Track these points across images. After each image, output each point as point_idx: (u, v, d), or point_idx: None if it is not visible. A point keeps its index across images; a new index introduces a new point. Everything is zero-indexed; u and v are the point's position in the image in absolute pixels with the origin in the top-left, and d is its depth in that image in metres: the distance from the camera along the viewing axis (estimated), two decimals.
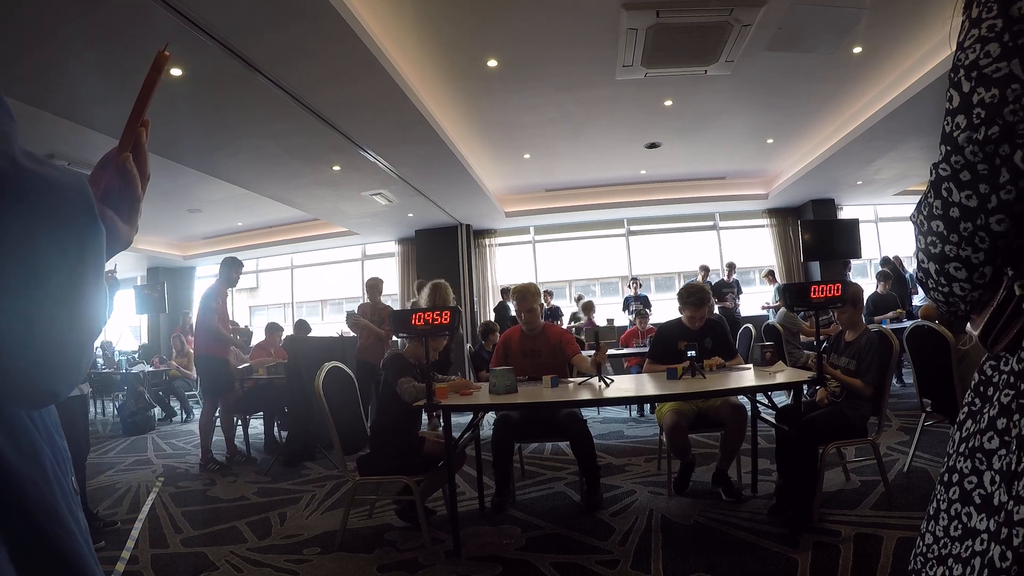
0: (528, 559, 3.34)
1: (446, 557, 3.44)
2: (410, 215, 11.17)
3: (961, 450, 0.93)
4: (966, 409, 0.96)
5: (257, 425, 7.52)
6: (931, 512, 1.00)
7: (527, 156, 9.38)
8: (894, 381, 7.56)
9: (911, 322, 4.65)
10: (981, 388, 0.94)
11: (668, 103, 7.46)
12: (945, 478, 0.96)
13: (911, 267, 11.26)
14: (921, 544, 1.01)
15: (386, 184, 8.88)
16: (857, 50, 6.30)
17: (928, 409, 4.35)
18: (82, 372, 0.64)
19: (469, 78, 6.44)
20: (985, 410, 0.90)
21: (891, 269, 9.79)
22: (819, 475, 3.65)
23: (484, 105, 7.20)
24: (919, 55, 6.48)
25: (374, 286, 7.65)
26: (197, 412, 8.61)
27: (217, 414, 6.23)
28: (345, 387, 4.06)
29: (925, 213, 0.90)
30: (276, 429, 6.82)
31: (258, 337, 8.54)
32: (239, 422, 6.72)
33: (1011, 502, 0.78)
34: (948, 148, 0.83)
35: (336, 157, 7.54)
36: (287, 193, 9.32)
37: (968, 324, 0.98)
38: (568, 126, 8.09)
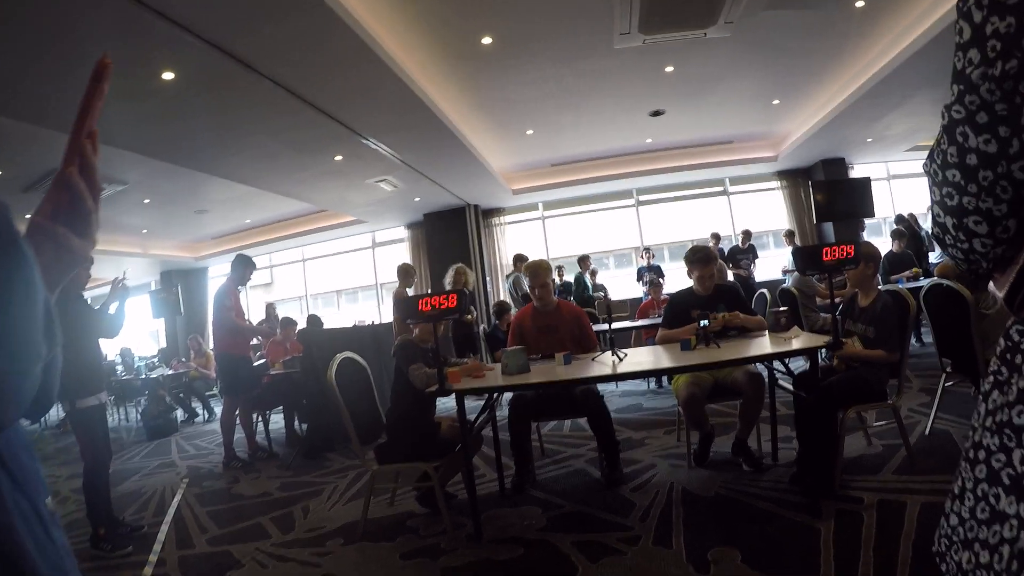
0: (549, 539, 3.33)
1: (467, 541, 3.44)
2: (417, 199, 11.15)
3: (988, 424, 0.83)
4: (992, 379, 0.84)
5: (278, 420, 7.56)
6: (956, 491, 0.90)
7: (530, 132, 9.30)
8: (913, 341, 7.44)
9: (928, 280, 4.54)
10: (1008, 356, 0.82)
11: (669, 69, 7.35)
12: (971, 454, 0.86)
13: (926, 224, 11.10)
14: (946, 525, 0.92)
15: (390, 170, 8.86)
16: (859, 3, 6.14)
17: (948, 369, 4.25)
18: (26, 400, 0.62)
19: (465, 58, 6.37)
20: (1014, 380, 0.79)
21: (905, 227, 9.61)
22: (839, 441, 3.59)
23: (482, 84, 7.13)
24: (925, 5, 6.29)
25: (406, 271, 7.58)
26: (219, 411, 8.66)
27: (238, 412, 6.25)
28: (359, 377, 4.05)
29: (939, 162, 0.81)
30: (297, 422, 6.84)
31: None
32: (259, 418, 6.75)
33: None
34: (961, 87, 0.74)
35: (338, 147, 7.52)
36: (292, 187, 9.33)
37: (991, 283, 0.88)
38: (569, 99, 7.99)
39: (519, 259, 10.20)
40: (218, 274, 14.73)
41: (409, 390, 3.84)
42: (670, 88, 8.07)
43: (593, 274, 10.95)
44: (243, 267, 6.21)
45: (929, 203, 0.87)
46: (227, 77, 5.12)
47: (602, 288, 10.91)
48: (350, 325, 9.65)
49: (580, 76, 7.21)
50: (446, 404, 5.72)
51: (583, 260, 10.75)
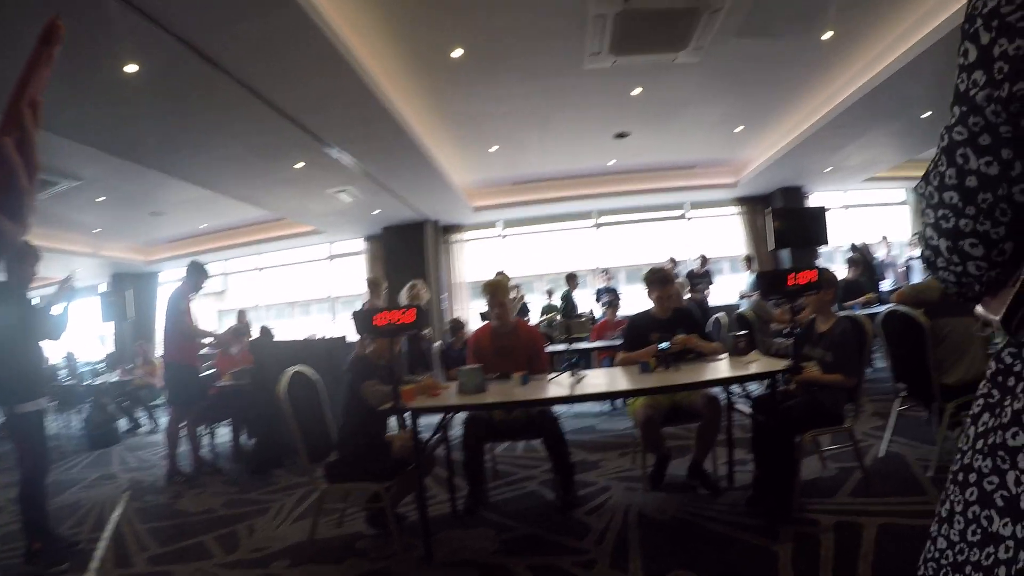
0: (503, 562, 3.26)
1: (418, 564, 3.34)
2: (376, 212, 11.02)
3: (979, 447, 0.83)
4: (982, 401, 0.85)
5: (225, 433, 7.32)
6: (943, 514, 0.89)
7: (494, 148, 9.28)
8: None
9: (885, 307, 4.62)
10: (1000, 378, 0.82)
11: (636, 92, 7.40)
12: (960, 477, 0.86)
13: (879, 253, 11.39)
14: (933, 548, 0.91)
15: (351, 180, 8.74)
16: (827, 36, 6.29)
17: (903, 394, 4.33)
18: None
19: (434, 70, 6.32)
20: (1007, 403, 0.79)
21: (859, 255, 9.84)
22: (797, 464, 3.62)
23: (449, 97, 7.08)
24: (890, 39, 6.47)
25: (375, 284, 7.50)
26: (164, 422, 8.37)
27: (184, 423, 6.04)
28: (310, 392, 3.92)
29: (935, 184, 0.80)
30: (244, 436, 6.64)
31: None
32: (206, 431, 6.53)
33: None
34: (964, 109, 0.72)
35: (300, 154, 7.38)
36: (251, 192, 9.15)
37: (979, 307, 0.88)
38: (535, 117, 8.00)
39: (572, 277, 10.34)
40: (169, 280, 14.33)
41: (361, 407, 3.74)
42: (636, 111, 8.12)
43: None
44: (196, 274, 6.03)
45: (922, 225, 0.87)
46: (193, 74, 4.97)
47: (555, 308, 10.91)
48: (303, 338, 9.46)
49: (548, 94, 7.21)
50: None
51: (571, 277, 10.71)
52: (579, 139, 9.28)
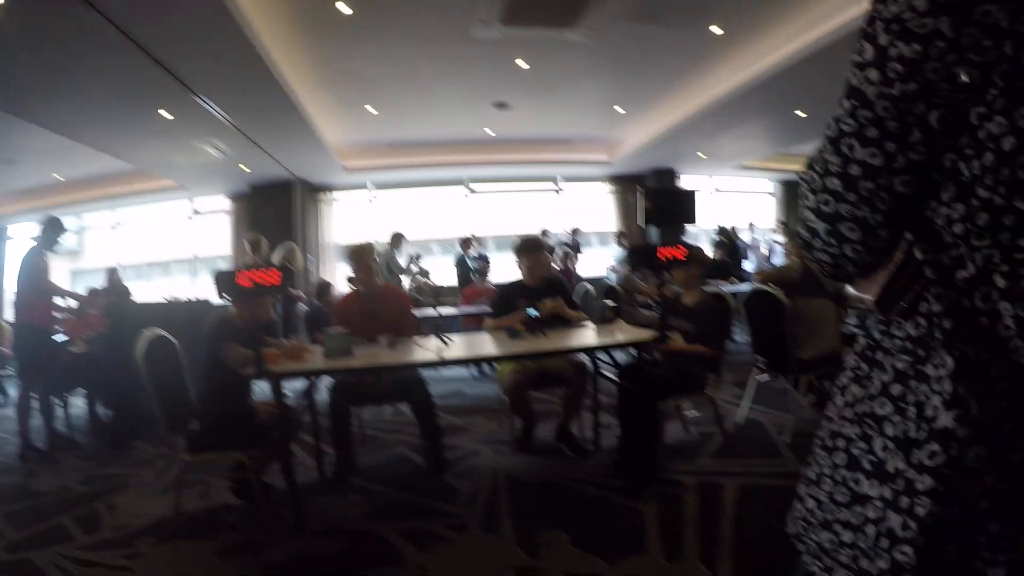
0: (375, 529, 3.19)
1: (289, 534, 3.21)
2: (244, 168, 10.44)
3: (847, 415, 0.90)
4: (851, 373, 0.92)
5: (79, 404, 6.71)
6: (812, 476, 0.96)
7: (371, 109, 9.00)
8: None
9: (748, 285, 4.88)
10: (869, 353, 0.90)
11: (522, 64, 7.37)
12: (828, 443, 0.93)
13: (744, 236, 12.07)
14: (801, 507, 0.98)
15: (219, 133, 8.18)
16: (716, 31, 6.52)
17: (761, 366, 4.59)
18: None
19: (318, 23, 6.01)
20: (874, 375, 0.86)
21: (726, 238, 10.43)
22: (660, 429, 3.78)
23: (331, 53, 6.77)
24: (775, 41, 6.77)
25: (256, 243, 7.16)
26: (14, 393, 7.50)
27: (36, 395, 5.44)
28: (169, 356, 3.63)
29: (820, 170, 0.84)
30: (100, 407, 6.13)
31: None
32: (59, 402, 5.97)
33: (911, 470, 0.75)
34: (855, 103, 0.76)
35: (167, 102, 6.81)
36: (112, 142, 8.38)
37: (850, 287, 0.94)
38: (417, 80, 7.81)
39: (396, 237, 9.95)
40: (18, 235, 12.80)
41: (223, 372, 3.52)
42: (519, 83, 8.09)
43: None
44: (53, 230, 5.42)
45: (801, 208, 0.91)
46: (55, 9, 4.47)
47: (426, 273, 10.80)
48: (162, 300, 8.87)
49: (432, 59, 7.06)
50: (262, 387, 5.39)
51: (466, 242, 10.57)
52: (459, 106, 9.16)
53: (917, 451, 0.74)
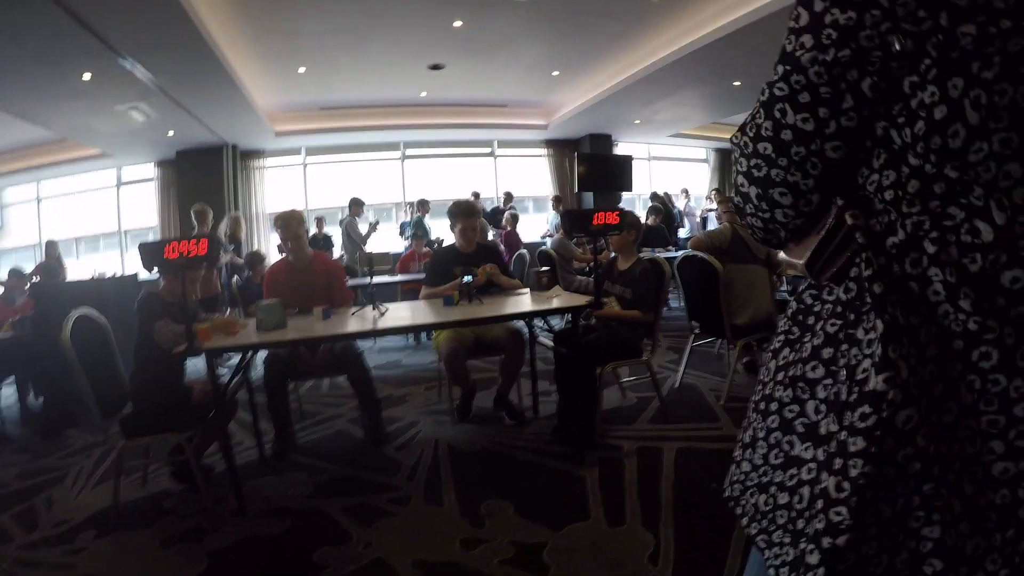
0: (318, 507, 3.16)
1: (232, 517, 3.13)
2: (171, 133, 9.97)
3: (780, 379, 0.91)
4: (783, 337, 0.94)
5: (9, 394, 6.39)
6: (747, 440, 0.97)
7: (302, 70, 8.68)
8: None
9: (682, 252, 4.95)
10: (800, 317, 0.92)
11: (457, 24, 7.22)
12: (762, 407, 0.94)
13: (679, 203, 12.25)
14: (737, 471, 0.99)
15: (143, 96, 7.76)
16: None
17: (696, 331, 4.68)
18: None
19: None
20: (806, 339, 0.88)
21: (660, 204, 10.56)
22: (598, 394, 3.83)
23: (259, 7, 6.45)
24: (715, 9, 6.81)
25: (202, 213, 6.95)
26: None
27: None
28: (99, 337, 3.47)
29: (751, 135, 0.85)
30: (32, 395, 5.83)
31: None
32: None
33: (843, 432, 0.76)
34: (788, 68, 0.77)
35: (88, 63, 6.38)
36: (30, 107, 7.84)
37: (781, 252, 0.96)
38: (349, 38, 7.54)
39: (355, 203, 9.68)
40: None
41: (155, 351, 3.38)
42: (455, 43, 7.94)
43: (321, 221, 10.59)
44: None
45: (734, 172, 0.92)
46: None
47: (329, 242, 10.57)
48: (88, 277, 8.46)
49: (366, 16, 6.83)
50: (196, 366, 5.21)
51: (422, 204, 10.36)
52: (392, 67, 8.93)
53: (849, 413, 0.75)
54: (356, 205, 9.66)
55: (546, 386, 4.60)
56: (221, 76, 7.30)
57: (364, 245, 9.41)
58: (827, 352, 0.83)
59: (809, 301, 0.91)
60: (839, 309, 0.83)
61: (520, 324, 4.25)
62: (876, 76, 0.72)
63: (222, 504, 3.28)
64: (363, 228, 9.55)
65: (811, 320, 0.89)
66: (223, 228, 6.27)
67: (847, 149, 0.78)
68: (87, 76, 6.78)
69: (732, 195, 0.93)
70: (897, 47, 0.70)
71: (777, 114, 0.79)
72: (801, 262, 0.88)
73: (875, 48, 0.71)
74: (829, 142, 0.77)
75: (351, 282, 5.96)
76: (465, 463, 3.56)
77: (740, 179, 0.90)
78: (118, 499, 3.23)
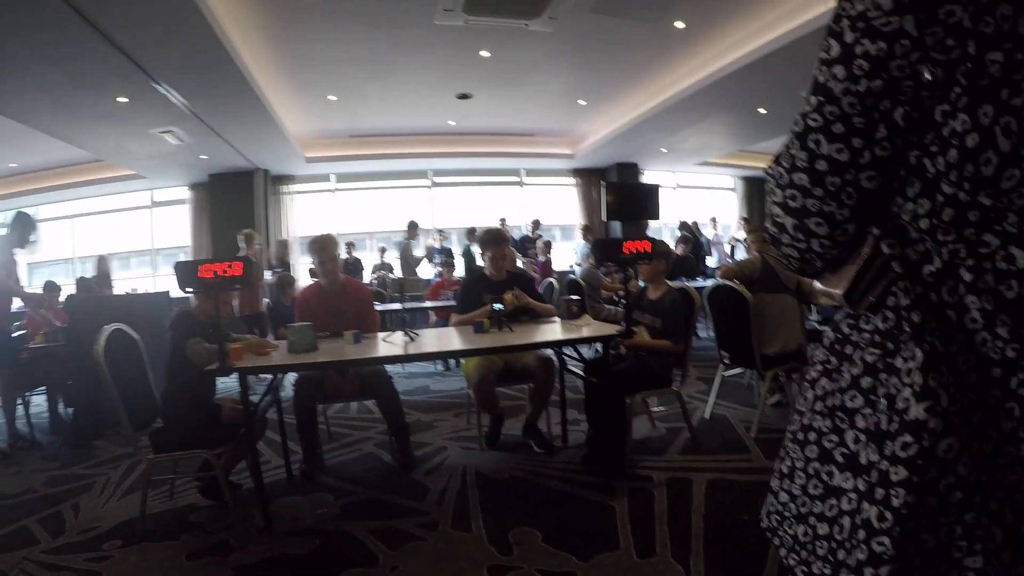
0: (345, 528, 3.15)
1: (258, 535, 3.14)
2: (203, 157, 10.21)
3: (818, 408, 0.92)
4: (820, 367, 0.95)
5: (39, 403, 6.50)
6: (784, 470, 0.98)
7: (332, 98, 8.89)
8: None
9: (712, 281, 4.93)
10: (838, 347, 0.93)
11: (484, 54, 7.35)
12: (800, 437, 0.95)
13: (707, 232, 12.21)
14: (775, 502, 1.00)
15: (178, 121, 7.99)
16: (680, 25, 6.58)
17: (726, 361, 4.64)
18: None
19: (279, 6, 5.89)
20: (844, 369, 0.89)
21: (689, 233, 10.55)
22: (628, 424, 3.79)
23: (292, 37, 6.64)
24: (739, 37, 6.89)
25: (250, 236, 7.35)
26: None
27: None
28: (131, 352, 3.53)
29: (786, 165, 0.86)
30: (62, 406, 5.93)
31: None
32: (20, 401, 5.72)
33: (884, 462, 0.77)
34: (821, 99, 0.78)
35: (123, 87, 6.60)
36: (67, 128, 8.08)
37: (817, 282, 0.97)
38: (379, 68, 7.73)
39: (412, 226, 9.85)
40: None
41: (187, 368, 3.42)
42: (482, 73, 8.07)
43: (351, 246, 10.71)
44: (22, 227, 5.09)
45: (768, 203, 0.93)
46: None
47: (389, 267, 10.71)
48: (122, 293, 8.64)
49: (395, 46, 6.98)
50: (226, 384, 5.27)
51: (471, 232, 10.45)
52: (421, 96, 9.10)
53: (890, 442, 0.76)
54: (412, 228, 9.82)
55: (575, 415, 4.58)
56: (254, 103, 7.49)
57: (417, 267, 9.52)
58: (866, 381, 0.84)
59: (847, 330, 0.92)
60: (877, 338, 0.84)
61: (549, 352, 4.24)
62: (908, 105, 0.73)
63: (249, 521, 3.30)
64: (418, 252, 9.65)
65: (849, 349, 0.90)
66: (272, 251, 6.37)
67: (882, 178, 0.79)
68: (123, 99, 7.00)
69: (766, 224, 0.95)
70: (928, 76, 0.71)
71: (812, 145, 0.80)
72: (840, 292, 0.89)
73: (906, 78, 0.72)
74: (864, 172, 0.78)
75: (381, 307, 6.01)
76: (493, 490, 3.54)
77: (775, 209, 0.90)
78: (145, 510, 3.27)
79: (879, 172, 0.78)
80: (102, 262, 8.88)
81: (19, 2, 4.59)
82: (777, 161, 0.88)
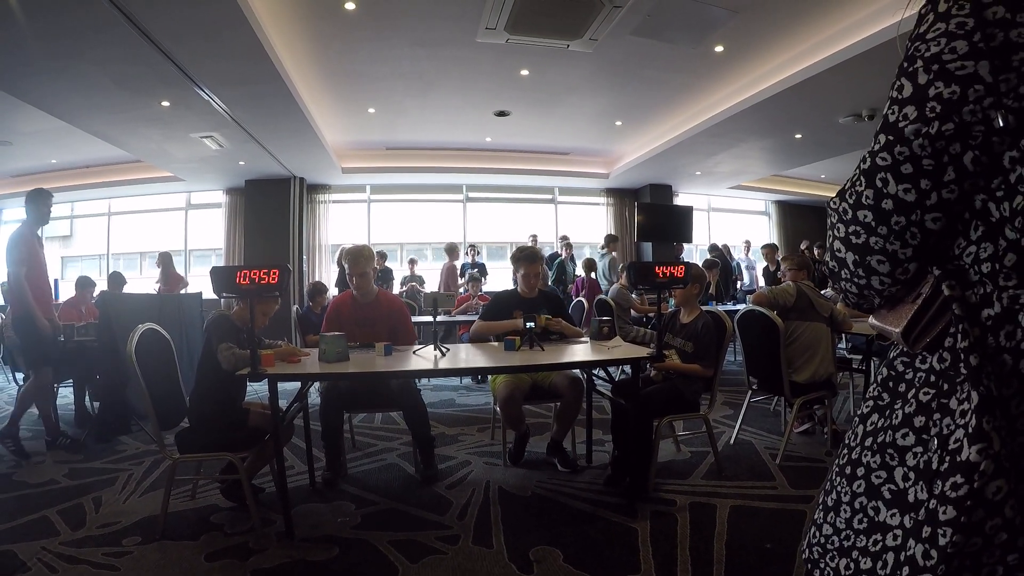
0: (365, 537, 3.17)
1: (278, 540, 3.17)
2: (241, 163, 10.41)
3: (868, 444, 0.93)
4: (871, 403, 0.96)
5: (66, 395, 6.62)
6: (829, 503, 0.99)
7: (372, 110, 8.99)
8: None
9: (743, 306, 4.90)
10: (891, 384, 0.93)
11: (524, 72, 7.41)
12: (847, 471, 0.95)
13: (737, 255, 12.12)
14: (818, 534, 1.00)
15: (218, 127, 8.17)
16: (719, 49, 6.61)
17: (754, 387, 4.60)
18: None
19: (323, 18, 5.97)
20: (897, 406, 0.89)
21: (719, 256, 10.46)
22: (654, 447, 3.77)
23: (335, 50, 6.73)
24: (777, 62, 6.89)
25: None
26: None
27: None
28: (162, 352, 3.60)
29: (851, 201, 0.87)
30: (88, 399, 6.03)
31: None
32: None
33: (933, 500, 0.77)
34: (891, 138, 0.79)
35: (166, 91, 6.77)
36: (109, 128, 8.27)
37: (872, 317, 0.98)
38: (419, 83, 7.82)
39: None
40: (12, 219, 12.62)
41: (218, 372, 3.46)
42: (521, 91, 8.14)
43: (382, 257, 10.69)
44: (37, 202, 5.00)
45: (829, 237, 0.94)
46: None
47: (419, 279, 10.77)
48: (154, 292, 8.78)
49: (436, 62, 7.06)
50: (254, 388, 5.30)
51: (568, 245, 10.59)
52: (459, 112, 9.17)
53: (940, 482, 0.76)
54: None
55: (600, 435, 4.55)
56: (295, 113, 7.64)
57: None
58: (919, 420, 0.84)
59: (900, 368, 0.92)
60: (932, 378, 0.84)
61: (578, 372, 4.22)
62: (978, 150, 0.74)
63: (270, 526, 3.33)
64: (348, 269, 9.72)
65: (902, 387, 0.90)
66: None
67: (947, 221, 0.79)
68: (166, 103, 7.17)
69: (825, 258, 0.96)
70: (1000, 123, 0.72)
71: (879, 183, 0.81)
72: (896, 330, 0.89)
73: (978, 122, 0.72)
74: (929, 213, 0.79)
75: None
76: (516, 507, 3.53)
77: (837, 244, 0.91)
78: (166, 509, 3.31)
79: (944, 214, 0.79)
80: (165, 257, 9.13)
81: (71, 5, 4.73)
82: (842, 196, 0.89)
